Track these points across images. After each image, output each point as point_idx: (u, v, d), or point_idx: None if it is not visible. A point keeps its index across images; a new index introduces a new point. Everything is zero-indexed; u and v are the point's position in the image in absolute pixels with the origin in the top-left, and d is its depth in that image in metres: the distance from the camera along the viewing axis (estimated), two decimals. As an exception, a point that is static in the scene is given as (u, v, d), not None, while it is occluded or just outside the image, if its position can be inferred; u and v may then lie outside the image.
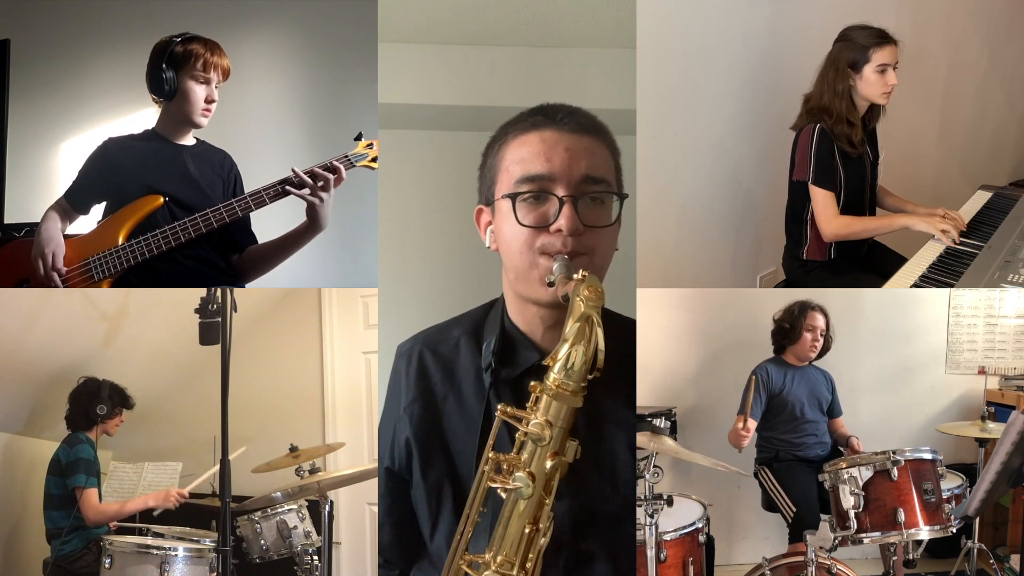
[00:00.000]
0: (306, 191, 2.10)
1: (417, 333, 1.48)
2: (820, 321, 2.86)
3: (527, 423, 1.20)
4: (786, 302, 2.93)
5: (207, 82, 2.15)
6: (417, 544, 1.44)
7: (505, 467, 1.21)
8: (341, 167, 2.13)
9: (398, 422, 1.43)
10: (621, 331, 1.44)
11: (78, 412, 2.84)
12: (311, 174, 2.10)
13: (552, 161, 1.28)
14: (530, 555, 1.22)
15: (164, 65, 2.13)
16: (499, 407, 1.22)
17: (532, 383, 1.20)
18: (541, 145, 1.30)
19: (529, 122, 1.33)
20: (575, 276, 1.19)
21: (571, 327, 1.16)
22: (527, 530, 1.21)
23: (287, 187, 2.11)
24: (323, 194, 2.11)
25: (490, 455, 1.24)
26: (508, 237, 1.32)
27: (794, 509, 2.64)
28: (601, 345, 1.15)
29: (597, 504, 1.35)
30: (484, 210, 1.39)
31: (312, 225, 2.16)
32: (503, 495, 1.22)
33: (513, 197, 1.29)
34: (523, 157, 1.30)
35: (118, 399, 2.87)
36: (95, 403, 2.82)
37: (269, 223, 2.28)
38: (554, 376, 1.18)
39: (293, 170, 2.11)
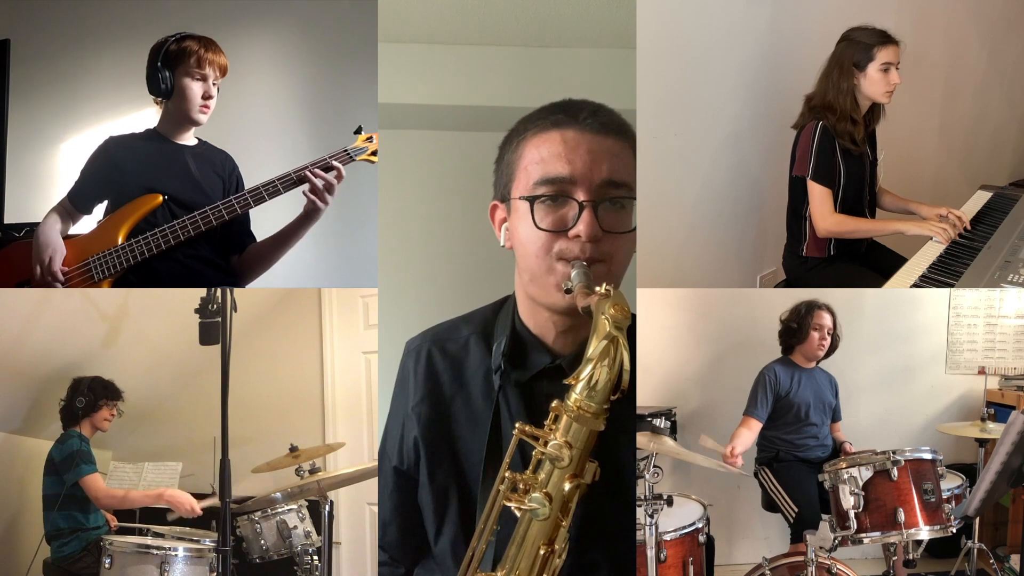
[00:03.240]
0: (308, 187, 2.10)
1: (426, 330, 1.45)
2: (827, 320, 2.86)
3: (545, 443, 1.15)
4: (787, 302, 2.93)
5: (203, 79, 2.15)
6: (422, 543, 1.43)
7: (521, 486, 1.17)
8: (340, 166, 2.13)
9: (406, 421, 1.41)
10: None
11: (65, 411, 2.85)
12: (316, 174, 2.09)
13: (573, 163, 1.24)
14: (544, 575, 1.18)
15: (160, 64, 2.13)
16: (517, 426, 1.17)
17: (554, 404, 1.15)
18: (562, 146, 1.25)
19: (550, 120, 1.27)
20: (598, 290, 1.14)
21: (596, 346, 1.11)
22: (542, 551, 1.17)
23: (285, 185, 2.10)
24: (329, 197, 2.11)
25: (506, 475, 1.19)
26: (524, 239, 1.27)
27: (796, 509, 2.63)
28: (627, 365, 1.10)
29: (599, 513, 1.31)
30: (499, 207, 1.35)
31: (309, 216, 2.14)
32: (518, 514, 1.18)
33: (531, 200, 1.25)
34: (543, 157, 1.25)
35: (101, 391, 2.87)
36: (76, 396, 2.83)
37: (270, 222, 2.27)
38: (576, 397, 1.13)
39: (307, 172, 2.11)
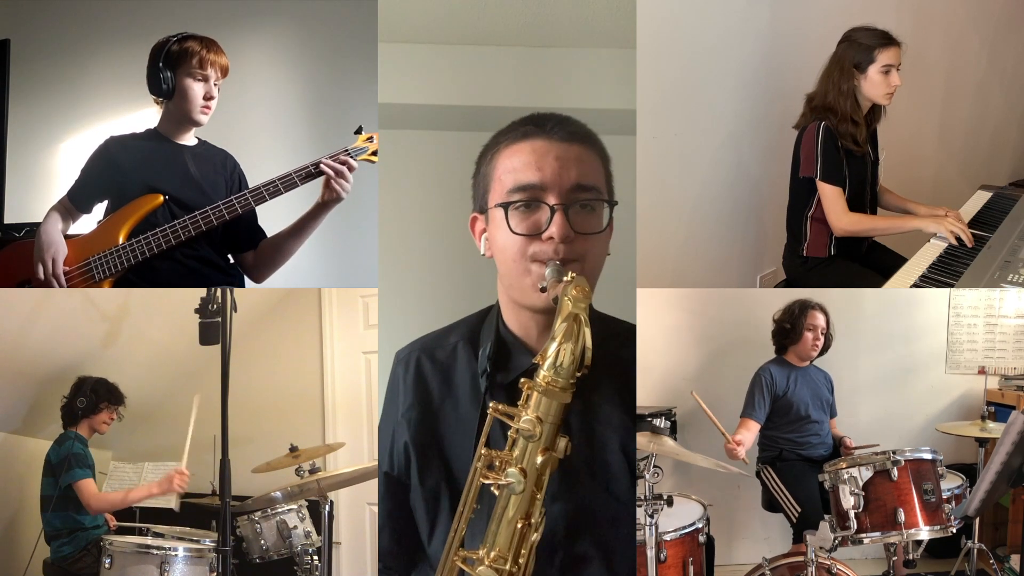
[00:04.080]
0: (334, 185, 2.10)
1: (415, 340, 1.50)
2: (820, 320, 2.86)
3: (518, 419, 1.22)
4: (786, 302, 2.93)
5: (205, 79, 2.15)
6: (416, 548, 1.45)
7: (498, 464, 1.24)
8: (351, 160, 2.13)
9: (396, 427, 1.45)
10: (620, 335, 1.45)
11: (65, 409, 2.85)
12: (329, 164, 2.10)
13: (543, 170, 1.31)
14: (522, 550, 1.24)
15: (161, 64, 2.13)
16: (491, 405, 1.25)
17: (522, 380, 1.23)
18: (532, 155, 1.33)
19: (520, 131, 1.35)
20: (565, 279, 1.22)
21: (559, 326, 1.19)
22: (519, 525, 1.23)
23: (286, 184, 2.10)
24: (346, 184, 2.11)
25: (483, 452, 1.26)
26: (502, 245, 1.34)
27: (799, 509, 2.63)
28: (588, 343, 1.18)
29: (595, 509, 1.36)
30: (479, 218, 1.42)
31: (327, 203, 2.14)
32: (496, 492, 1.24)
33: (505, 206, 1.32)
34: (514, 167, 1.33)
35: (103, 393, 2.86)
36: (77, 396, 2.83)
37: (273, 219, 2.27)
38: (544, 373, 1.20)
39: (322, 165, 2.11)
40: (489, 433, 1.28)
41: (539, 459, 1.21)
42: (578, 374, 1.20)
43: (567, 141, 1.33)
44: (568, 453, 1.23)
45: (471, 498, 1.28)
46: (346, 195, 2.13)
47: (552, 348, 1.19)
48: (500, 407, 1.24)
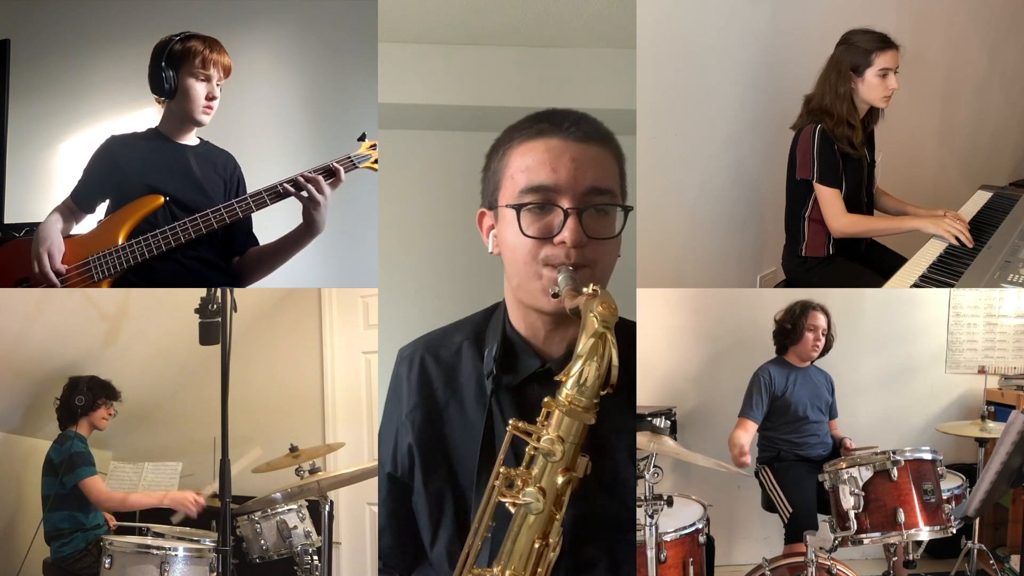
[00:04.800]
0: (303, 194, 2.10)
1: (418, 337, 1.47)
2: (821, 320, 2.86)
3: (538, 438, 1.18)
4: (786, 302, 2.93)
5: (207, 79, 2.15)
6: (418, 549, 1.43)
7: (519, 483, 1.20)
8: (341, 168, 2.12)
9: (400, 428, 1.42)
10: (620, 334, 1.43)
11: (63, 409, 2.85)
12: (305, 178, 2.09)
13: (558, 172, 1.26)
14: (539, 570, 1.21)
15: (164, 64, 2.12)
16: (510, 422, 1.21)
17: (546, 399, 1.19)
18: (547, 154, 1.27)
19: (535, 128, 1.30)
20: (586, 291, 1.18)
21: (584, 343, 1.15)
22: (536, 545, 1.20)
23: (286, 188, 2.10)
24: (319, 196, 2.09)
25: (501, 470, 1.22)
26: (511, 246, 1.30)
27: (791, 510, 2.64)
28: (615, 361, 1.14)
29: (596, 511, 1.33)
30: (487, 214, 1.37)
31: (308, 228, 2.14)
32: (512, 510, 1.20)
33: (518, 208, 1.27)
34: (528, 166, 1.28)
35: (99, 390, 2.87)
36: (74, 395, 2.83)
37: (273, 225, 2.27)
38: (567, 392, 1.17)
39: (297, 177, 2.11)
40: (496, 440, 1.26)
41: (559, 479, 1.18)
42: (603, 393, 1.16)
43: (583, 141, 1.28)
44: (588, 472, 1.20)
45: (487, 516, 1.24)
46: (317, 209, 2.09)
47: (576, 366, 1.15)
48: (520, 425, 1.20)
